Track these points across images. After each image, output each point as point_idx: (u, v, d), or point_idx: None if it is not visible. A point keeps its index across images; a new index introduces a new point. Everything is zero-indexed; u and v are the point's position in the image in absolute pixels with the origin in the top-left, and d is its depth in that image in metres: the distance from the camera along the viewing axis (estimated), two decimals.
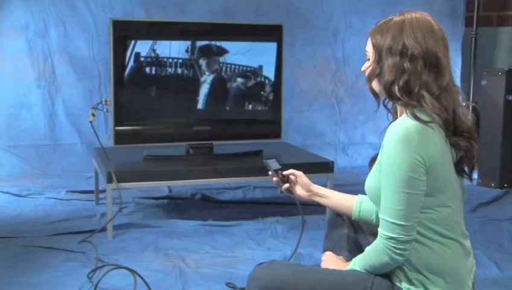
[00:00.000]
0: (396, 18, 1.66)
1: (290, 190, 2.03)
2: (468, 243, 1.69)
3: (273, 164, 2.06)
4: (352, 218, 1.94)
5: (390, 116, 1.74)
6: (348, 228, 1.98)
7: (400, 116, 1.66)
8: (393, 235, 1.58)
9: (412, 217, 1.57)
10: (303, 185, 2.02)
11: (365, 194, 1.78)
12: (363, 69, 1.72)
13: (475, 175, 4.14)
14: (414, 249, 1.61)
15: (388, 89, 1.64)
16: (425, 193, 1.58)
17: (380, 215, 1.62)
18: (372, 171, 1.71)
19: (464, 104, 1.65)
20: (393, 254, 1.59)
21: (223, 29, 3.54)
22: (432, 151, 1.57)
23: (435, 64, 1.61)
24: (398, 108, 1.68)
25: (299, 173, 2.04)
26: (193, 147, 3.41)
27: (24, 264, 2.66)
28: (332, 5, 4.89)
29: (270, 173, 2.07)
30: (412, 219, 1.57)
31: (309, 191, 2.02)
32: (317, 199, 2.01)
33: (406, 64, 1.61)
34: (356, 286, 1.65)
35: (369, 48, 1.69)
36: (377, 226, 1.65)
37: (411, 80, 1.61)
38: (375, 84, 1.69)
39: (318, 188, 2.02)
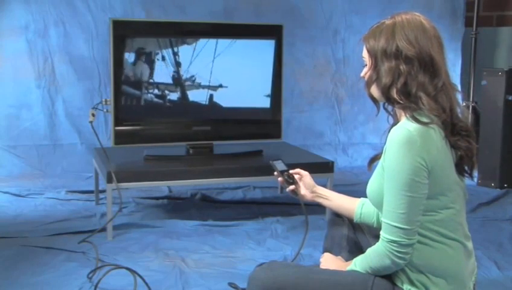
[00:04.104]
0: (388, 21, 1.67)
1: (294, 191, 2.05)
2: (470, 245, 1.70)
3: (279, 165, 2.09)
4: (354, 221, 1.95)
5: (390, 117, 1.74)
6: (347, 228, 1.98)
7: (400, 119, 1.66)
8: (395, 239, 1.58)
9: (414, 220, 1.57)
10: (307, 185, 2.04)
11: (366, 196, 1.79)
12: (362, 74, 1.72)
13: (475, 174, 4.14)
14: (416, 250, 1.61)
15: (386, 92, 1.65)
16: (428, 195, 1.58)
17: (382, 219, 1.63)
18: (374, 175, 1.71)
19: (464, 103, 1.66)
20: (395, 258, 1.59)
21: (223, 30, 3.54)
22: (434, 153, 1.57)
23: (429, 64, 1.61)
24: (397, 111, 1.68)
25: (305, 173, 2.05)
26: (193, 147, 3.41)
27: (24, 265, 2.66)
28: (332, 5, 4.90)
29: (275, 173, 2.08)
30: (414, 223, 1.57)
31: (313, 192, 2.03)
32: (320, 200, 2.03)
33: (402, 67, 1.61)
34: (357, 287, 1.65)
35: (365, 54, 1.70)
36: (378, 228, 1.65)
37: (408, 81, 1.61)
38: (374, 90, 1.69)
39: (322, 190, 2.04)
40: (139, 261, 2.71)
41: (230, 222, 3.28)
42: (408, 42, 1.61)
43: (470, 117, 1.72)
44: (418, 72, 1.61)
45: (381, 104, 1.73)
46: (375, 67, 1.66)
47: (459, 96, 1.69)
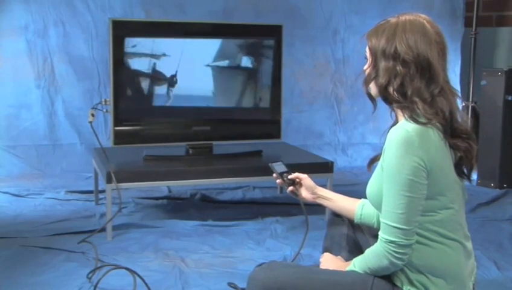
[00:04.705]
0: (392, 21, 1.67)
1: (295, 192, 2.05)
2: (469, 245, 1.70)
3: (279, 167, 2.10)
4: (354, 221, 1.95)
5: (389, 117, 1.74)
6: (347, 227, 1.99)
7: (399, 119, 1.66)
8: (393, 239, 1.58)
9: (413, 221, 1.57)
10: (308, 187, 2.04)
11: (365, 196, 1.79)
12: (364, 68, 1.73)
13: (474, 175, 4.15)
14: (416, 250, 1.61)
15: (383, 91, 1.65)
16: (428, 196, 1.58)
17: (380, 219, 1.63)
18: (373, 176, 1.72)
19: (464, 104, 1.67)
20: (393, 258, 1.59)
21: (222, 30, 3.54)
22: (432, 152, 1.57)
23: (427, 69, 1.61)
24: (396, 111, 1.68)
25: (304, 176, 2.06)
26: (193, 147, 3.41)
27: (23, 265, 2.66)
28: (332, 5, 4.90)
29: (274, 175, 2.08)
30: (412, 223, 1.57)
31: (313, 193, 2.04)
32: (321, 201, 2.04)
33: (399, 68, 1.62)
34: (356, 287, 1.65)
35: (367, 51, 1.70)
36: (378, 229, 1.66)
37: (405, 83, 1.61)
38: (372, 87, 1.70)
39: (322, 191, 2.04)
40: (138, 261, 2.71)
41: (230, 222, 3.28)
42: (407, 46, 1.61)
43: (469, 121, 1.72)
44: (415, 76, 1.61)
45: (377, 103, 1.73)
46: (375, 65, 1.67)
47: (458, 100, 1.68)
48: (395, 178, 1.56)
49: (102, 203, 3.52)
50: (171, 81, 3.35)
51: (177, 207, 3.62)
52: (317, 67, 4.96)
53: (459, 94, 1.69)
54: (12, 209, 3.50)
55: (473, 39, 4.78)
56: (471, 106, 4.64)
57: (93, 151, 3.60)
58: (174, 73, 3.34)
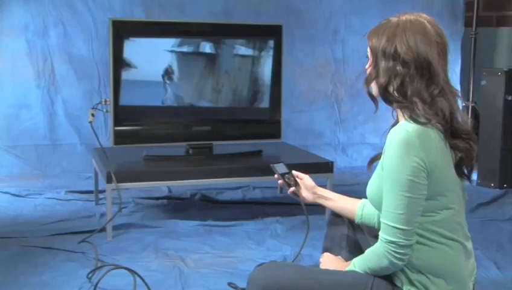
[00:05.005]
0: (393, 20, 1.67)
1: (295, 193, 2.05)
2: (469, 245, 1.70)
3: (280, 168, 2.10)
4: (355, 222, 1.95)
5: (389, 117, 1.74)
6: (347, 228, 1.99)
7: (399, 120, 1.66)
8: (393, 239, 1.58)
9: (413, 221, 1.57)
10: (308, 187, 2.04)
11: (366, 196, 1.79)
12: (366, 67, 1.73)
13: (474, 175, 4.15)
14: (416, 251, 1.61)
15: (383, 91, 1.65)
16: (428, 196, 1.58)
17: (381, 219, 1.63)
18: (373, 176, 1.71)
19: (464, 104, 1.66)
20: (393, 259, 1.59)
21: (222, 30, 3.54)
22: (432, 153, 1.57)
23: (426, 70, 1.61)
24: (397, 111, 1.68)
25: (304, 175, 2.06)
26: (193, 147, 3.41)
27: (23, 265, 2.66)
28: (332, 5, 4.90)
29: (276, 176, 2.09)
30: (412, 223, 1.57)
31: (314, 193, 2.04)
32: (321, 201, 2.04)
33: (399, 68, 1.61)
34: (356, 287, 1.64)
35: (368, 50, 1.70)
36: (378, 229, 1.65)
37: (405, 83, 1.61)
38: (373, 87, 1.69)
39: (323, 191, 2.04)
40: (138, 261, 2.71)
41: (230, 222, 3.28)
42: (407, 46, 1.61)
43: (469, 121, 1.72)
44: (415, 76, 1.61)
45: (379, 102, 1.73)
46: (375, 65, 1.67)
47: (458, 101, 1.68)
48: (395, 178, 1.56)
49: (102, 203, 3.52)
50: (171, 81, 3.35)
51: (177, 207, 3.62)
52: (317, 67, 4.96)
53: (460, 94, 1.69)
54: (12, 209, 3.50)
55: (473, 39, 4.78)
56: (471, 106, 4.65)
57: (93, 151, 3.60)
58: (173, 73, 3.34)
